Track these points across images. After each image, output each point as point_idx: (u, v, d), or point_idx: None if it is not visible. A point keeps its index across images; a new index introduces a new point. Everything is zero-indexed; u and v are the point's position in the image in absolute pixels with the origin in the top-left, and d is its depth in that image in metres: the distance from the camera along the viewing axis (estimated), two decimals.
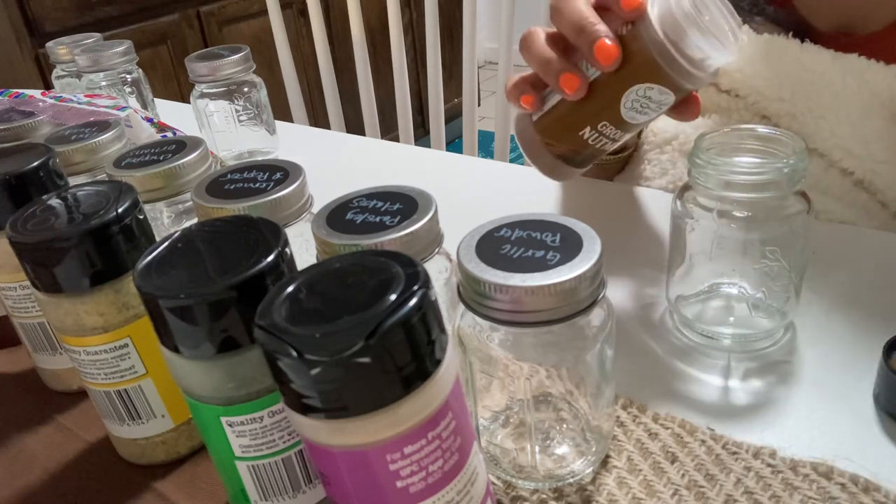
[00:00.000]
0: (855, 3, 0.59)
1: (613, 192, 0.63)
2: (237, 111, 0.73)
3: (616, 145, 0.46)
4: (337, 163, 0.76)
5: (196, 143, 0.45)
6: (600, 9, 0.43)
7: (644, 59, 0.41)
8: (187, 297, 0.27)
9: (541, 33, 0.45)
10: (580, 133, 0.45)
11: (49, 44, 0.85)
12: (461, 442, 0.26)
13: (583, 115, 0.44)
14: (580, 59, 0.43)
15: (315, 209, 0.38)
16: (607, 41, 0.40)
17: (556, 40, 0.45)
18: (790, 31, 0.58)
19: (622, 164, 0.68)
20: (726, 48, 0.41)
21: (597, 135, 0.45)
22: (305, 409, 0.23)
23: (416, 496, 0.25)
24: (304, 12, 2.10)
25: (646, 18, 0.40)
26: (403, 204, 0.34)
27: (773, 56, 0.57)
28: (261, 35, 2.06)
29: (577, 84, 0.42)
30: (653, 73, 0.41)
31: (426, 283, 0.23)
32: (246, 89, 0.73)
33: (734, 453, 0.35)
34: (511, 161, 0.94)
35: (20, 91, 0.59)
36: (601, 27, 0.41)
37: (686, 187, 0.41)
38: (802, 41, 0.57)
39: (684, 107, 0.45)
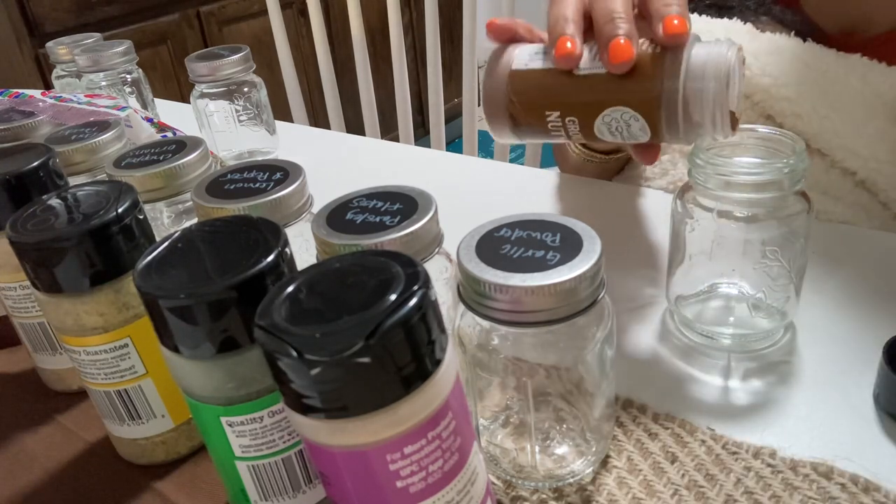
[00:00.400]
0: (860, 5, 0.59)
1: (613, 192, 0.63)
2: (237, 111, 0.73)
3: (563, 142, 0.44)
4: (337, 163, 0.76)
5: (196, 143, 0.45)
6: (641, 18, 0.41)
7: (648, 91, 0.39)
8: (187, 297, 0.27)
9: None
10: (546, 112, 0.42)
11: (49, 44, 0.85)
12: (461, 442, 0.26)
13: (560, 97, 0.41)
14: (592, 44, 0.41)
15: (315, 209, 0.38)
16: (623, 42, 0.38)
17: (584, 14, 0.42)
18: (794, 32, 0.58)
19: (621, 164, 0.68)
20: (719, 132, 0.39)
21: (559, 123, 0.42)
22: (305, 409, 0.23)
23: (416, 496, 0.25)
24: (304, 12, 2.10)
25: (677, 54, 0.38)
26: (403, 204, 0.34)
27: (777, 55, 0.57)
28: (261, 35, 2.06)
29: (568, 53, 0.40)
30: (647, 109, 0.39)
31: (426, 283, 0.23)
32: (246, 89, 0.73)
33: (734, 453, 0.35)
34: (511, 161, 0.94)
35: (20, 91, 0.59)
36: (629, 28, 0.39)
37: (686, 187, 0.41)
38: (805, 41, 0.57)
39: (646, 151, 0.44)
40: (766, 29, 0.59)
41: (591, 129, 0.41)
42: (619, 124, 0.40)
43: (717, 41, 0.39)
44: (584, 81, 0.41)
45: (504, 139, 0.46)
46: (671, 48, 0.38)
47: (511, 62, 0.43)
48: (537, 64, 0.42)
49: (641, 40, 0.40)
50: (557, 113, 0.42)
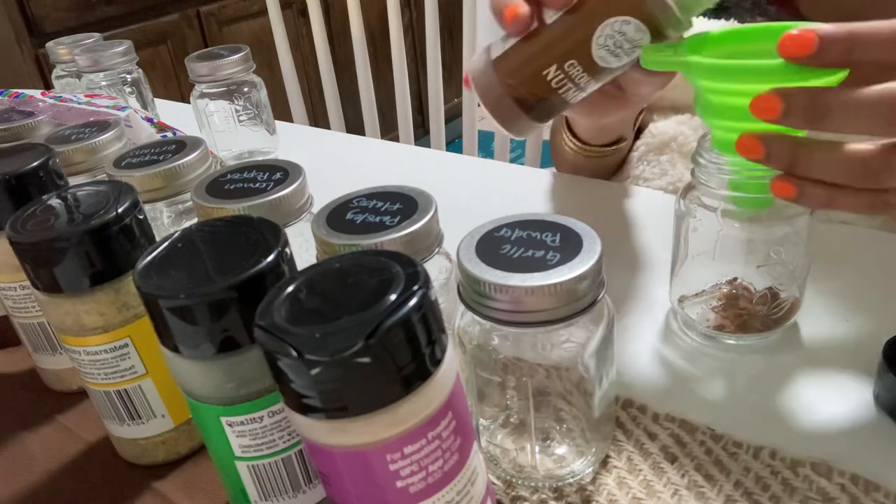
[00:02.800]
0: (857, 5, 0.59)
1: (613, 192, 0.63)
2: (237, 111, 0.73)
3: (580, 97, 0.43)
4: (337, 163, 0.76)
5: (196, 143, 0.45)
6: None
7: None
8: (187, 297, 0.27)
9: None
10: (544, 73, 0.41)
11: (49, 44, 0.85)
12: (461, 442, 0.26)
13: (548, 51, 0.41)
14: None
15: (315, 209, 0.38)
16: None
17: None
18: None
19: (618, 159, 0.68)
20: None
21: (562, 76, 0.41)
22: (305, 409, 0.23)
23: (416, 496, 0.25)
24: (304, 12, 2.10)
25: None
26: (403, 204, 0.34)
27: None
28: (261, 35, 2.06)
29: (515, 16, 0.40)
30: (633, 4, 0.38)
31: (426, 283, 0.23)
32: (246, 89, 0.73)
33: (734, 453, 0.35)
34: (511, 161, 0.94)
35: (20, 91, 0.59)
36: None
37: (689, 187, 0.41)
38: None
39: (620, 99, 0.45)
40: None
41: (593, 62, 0.41)
42: (616, 39, 0.39)
43: None
44: (559, 24, 0.40)
45: (526, 130, 0.45)
46: None
47: (490, 56, 0.43)
48: (511, 42, 0.42)
49: None
50: (555, 66, 0.41)
